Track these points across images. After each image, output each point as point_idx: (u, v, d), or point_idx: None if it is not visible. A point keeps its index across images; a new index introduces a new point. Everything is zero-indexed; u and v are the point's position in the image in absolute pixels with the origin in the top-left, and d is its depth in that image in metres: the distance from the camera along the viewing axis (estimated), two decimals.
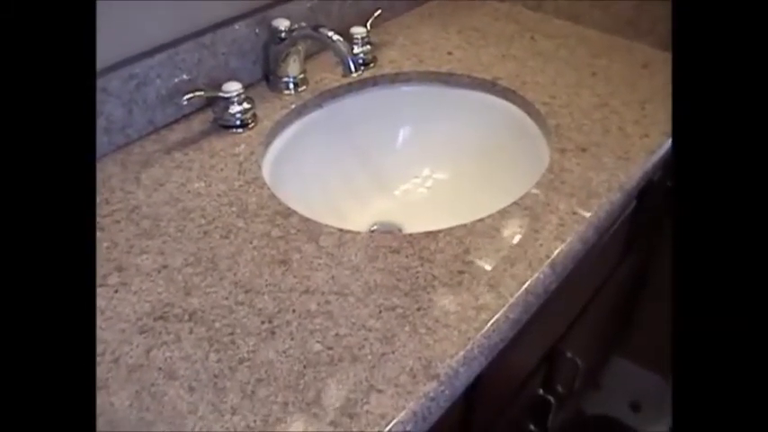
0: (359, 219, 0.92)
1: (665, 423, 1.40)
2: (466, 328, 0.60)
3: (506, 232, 0.70)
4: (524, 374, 0.85)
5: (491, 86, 0.97)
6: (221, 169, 0.79)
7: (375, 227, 0.93)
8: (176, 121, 0.87)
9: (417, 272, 0.65)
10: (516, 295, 0.63)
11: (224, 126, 0.86)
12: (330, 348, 0.58)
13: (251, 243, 0.68)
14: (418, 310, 0.61)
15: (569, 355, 0.92)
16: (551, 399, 0.90)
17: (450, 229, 0.70)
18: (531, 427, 0.95)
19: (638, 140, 0.85)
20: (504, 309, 0.62)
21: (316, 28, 0.86)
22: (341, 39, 0.83)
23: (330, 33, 0.83)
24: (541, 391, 0.90)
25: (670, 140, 0.87)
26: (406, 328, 0.59)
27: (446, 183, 0.97)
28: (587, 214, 0.73)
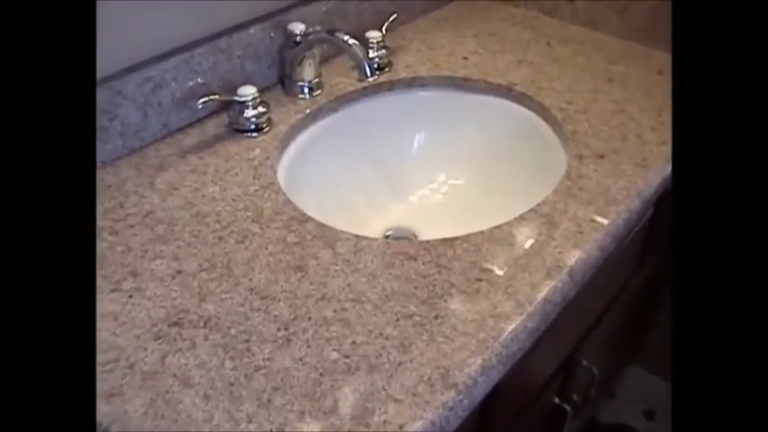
0: (374, 224, 0.92)
1: None
2: (484, 336, 0.59)
3: (524, 239, 0.70)
4: (541, 383, 0.84)
5: (507, 92, 0.96)
6: (236, 174, 0.78)
7: (390, 232, 0.92)
8: (191, 125, 0.87)
9: (434, 279, 0.65)
10: (535, 303, 0.63)
11: (239, 130, 0.85)
12: (347, 356, 0.57)
13: (266, 249, 0.68)
14: (435, 318, 0.61)
15: (585, 363, 0.91)
16: (567, 407, 0.89)
17: (468, 236, 0.69)
18: None
19: (656, 148, 0.84)
20: (523, 317, 0.61)
21: (331, 32, 0.85)
22: (357, 43, 0.82)
23: (346, 37, 0.83)
24: (557, 400, 0.89)
25: None
26: (424, 337, 0.59)
27: (462, 188, 0.96)
28: (605, 222, 0.73)
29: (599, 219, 0.73)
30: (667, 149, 0.84)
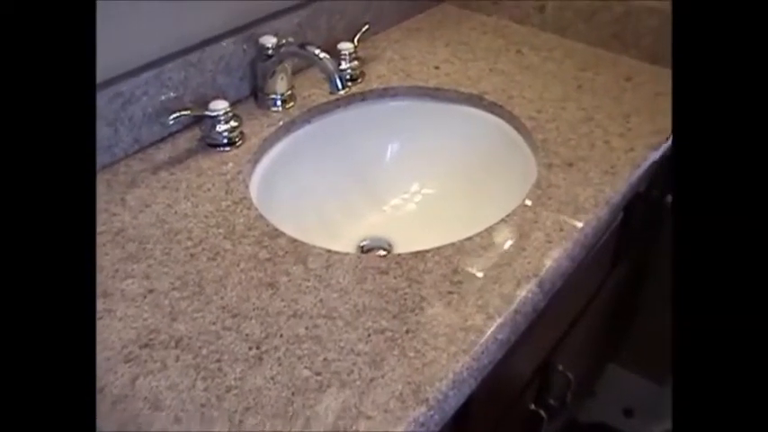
0: (349, 234, 0.92)
1: (657, 428, 1.41)
2: (455, 350, 0.60)
3: (494, 251, 0.70)
4: (516, 391, 0.85)
5: (478, 101, 0.97)
6: (208, 189, 0.79)
7: (366, 242, 0.92)
8: (163, 140, 0.87)
9: (406, 293, 0.65)
10: (505, 315, 0.63)
11: (211, 144, 0.85)
12: (318, 374, 0.57)
13: (238, 266, 0.68)
14: (407, 332, 0.61)
15: (561, 368, 0.92)
16: (543, 413, 0.90)
17: (439, 248, 0.70)
18: None
19: (624, 155, 0.86)
20: (493, 329, 0.62)
21: (302, 45, 0.85)
22: (327, 56, 0.83)
23: (316, 51, 0.83)
24: (533, 406, 0.90)
25: (655, 153, 0.87)
26: (395, 352, 0.59)
27: (435, 197, 0.97)
28: (574, 231, 0.73)
29: (568, 227, 0.74)
30: (635, 156, 0.86)
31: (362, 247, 0.92)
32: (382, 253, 0.90)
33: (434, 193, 0.97)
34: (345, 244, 0.90)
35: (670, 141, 0.90)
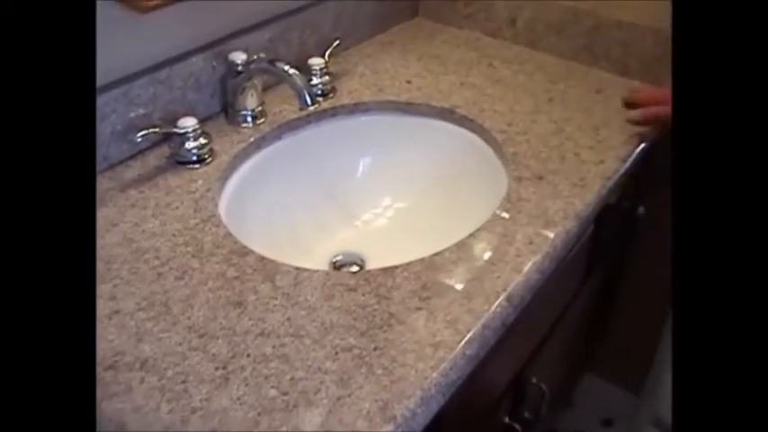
0: (322, 250, 0.92)
1: None
2: (423, 366, 0.59)
3: (463, 265, 0.71)
4: (489, 405, 0.85)
5: (449, 115, 0.97)
6: (177, 207, 0.78)
7: (339, 258, 0.92)
8: (132, 157, 0.86)
9: (374, 310, 0.65)
10: (473, 331, 0.63)
11: (180, 162, 0.85)
12: (285, 393, 0.57)
13: (206, 285, 0.68)
14: (375, 349, 0.61)
15: (535, 381, 0.92)
16: (517, 427, 0.90)
17: (408, 264, 0.70)
18: None
19: (594, 167, 0.86)
20: (461, 345, 0.62)
21: (272, 62, 0.85)
22: (297, 72, 0.83)
23: (285, 67, 0.83)
24: (507, 420, 0.90)
25: (625, 165, 0.88)
26: (363, 370, 0.59)
27: (407, 211, 0.97)
28: (544, 244, 0.74)
29: (537, 241, 0.74)
30: (605, 168, 0.86)
31: (335, 263, 0.91)
32: (355, 269, 0.90)
33: (406, 208, 0.98)
34: (318, 260, 0.89)
35: (638, 153, 0.91)
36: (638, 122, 0.94)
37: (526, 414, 0.94)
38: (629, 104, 0.97)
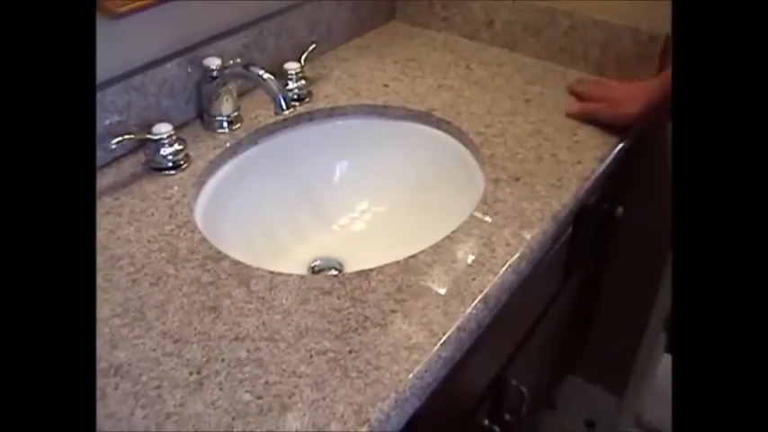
0: (300, 255, 0.92)
1: None
2: (398, 369, 0.59)
3: (439, 267, 0.71)
4: (467, 407, 0.85)
5: (426, 118, 0.97)
6: (152, 213, 0.78)
7: (317, 262, 0.92)
8: (107, 165, 0.86)
9: (349, 313, 0.65)
10: (448, 333, 0.63)
11: (156, 168, 0.84)
12: (260, 397, 0.57)
13: (180, 290, 0.67)
14: (350, 353, 0.61)
15: (515, 383, 0.92)
16: (497, 429, 0.90)
17: (383, 267, 0.70)
18: None
19: (571, 167, 0.87)
20: (437, 347, 0.62)
21: (246, 66, 0.85)
22: (271, 77, 0.82)
23: (260, 72, 0.83)
24: (487, 422, 0.90)
25: (602, 165, 0.89)
26: (338, 373, 0.59)
27: (385, 215, 0.97)
28: (520, 245, 0.74)
29: (513, 243, 0.74)
30: (582, 168, 0.87)
31: (314, 267, 0.91)
32: (334, 273, 0.90)
33: (384, 211, 0.98)
34: (296, 265, 0.89)
35: (616, 153, 0.92)
36: (575, 117, 0.97)
37: (506, 416, 0.94)
38: (573, 93, 1.03)
